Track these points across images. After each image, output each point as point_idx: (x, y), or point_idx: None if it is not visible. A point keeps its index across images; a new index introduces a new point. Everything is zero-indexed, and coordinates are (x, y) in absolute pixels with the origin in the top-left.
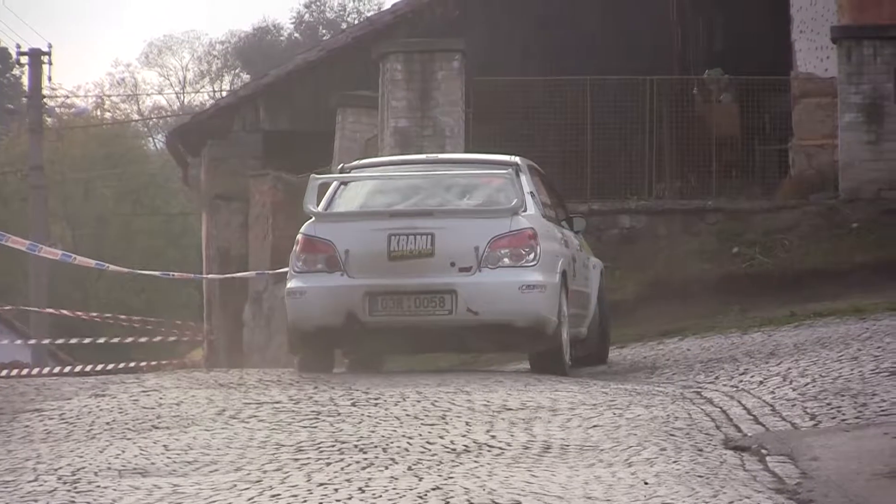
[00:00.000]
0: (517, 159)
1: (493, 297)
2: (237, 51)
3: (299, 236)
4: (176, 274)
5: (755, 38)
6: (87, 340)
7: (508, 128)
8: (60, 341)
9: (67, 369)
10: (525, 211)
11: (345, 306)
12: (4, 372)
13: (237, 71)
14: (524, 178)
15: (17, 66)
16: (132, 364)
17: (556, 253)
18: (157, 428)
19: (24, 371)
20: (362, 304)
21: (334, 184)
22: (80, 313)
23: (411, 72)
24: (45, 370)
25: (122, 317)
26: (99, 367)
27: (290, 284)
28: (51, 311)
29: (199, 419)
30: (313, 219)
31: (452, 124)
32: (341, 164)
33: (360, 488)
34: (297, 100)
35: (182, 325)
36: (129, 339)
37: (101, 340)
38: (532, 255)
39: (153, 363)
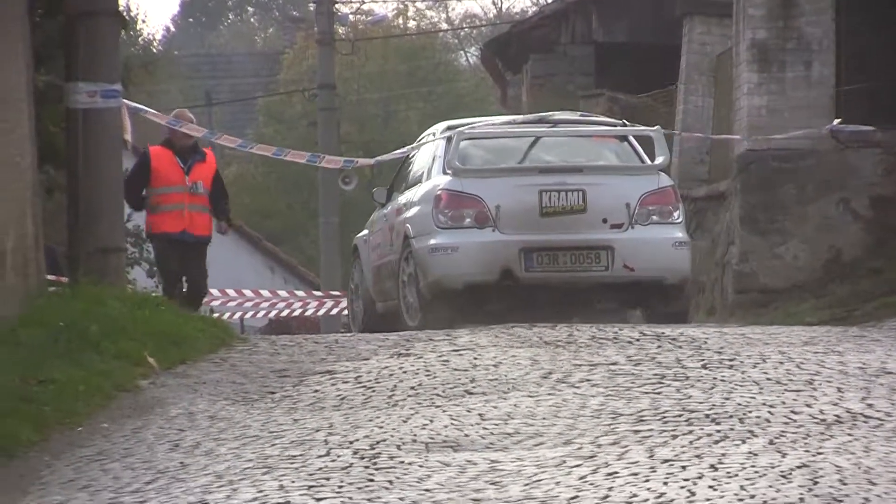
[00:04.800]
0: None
1: (649, 253)
2: None
3: (440, 192)
4: None
5: None
6: None
7: (892, 42)
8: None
9: None
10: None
11: (500, 262)
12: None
13: None
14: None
15: None
16: None
17: None
18: (470, 394)
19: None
20: (518, 260)
21: (454, 140)
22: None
23: None
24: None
25: None
26: None
27: (436, 240)
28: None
29: (521, 383)
30: (451, 174)
31: (820, 36)
32: (435, 127)
33: (712, 465)
34: (635, 6)
35: None
36: None
37: None
38: (677, 213)
39: None
